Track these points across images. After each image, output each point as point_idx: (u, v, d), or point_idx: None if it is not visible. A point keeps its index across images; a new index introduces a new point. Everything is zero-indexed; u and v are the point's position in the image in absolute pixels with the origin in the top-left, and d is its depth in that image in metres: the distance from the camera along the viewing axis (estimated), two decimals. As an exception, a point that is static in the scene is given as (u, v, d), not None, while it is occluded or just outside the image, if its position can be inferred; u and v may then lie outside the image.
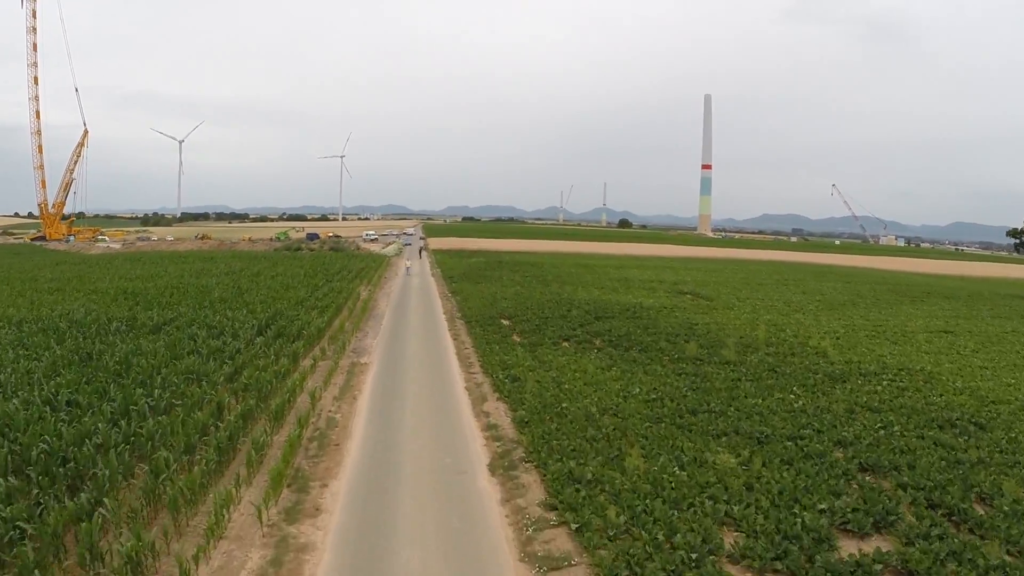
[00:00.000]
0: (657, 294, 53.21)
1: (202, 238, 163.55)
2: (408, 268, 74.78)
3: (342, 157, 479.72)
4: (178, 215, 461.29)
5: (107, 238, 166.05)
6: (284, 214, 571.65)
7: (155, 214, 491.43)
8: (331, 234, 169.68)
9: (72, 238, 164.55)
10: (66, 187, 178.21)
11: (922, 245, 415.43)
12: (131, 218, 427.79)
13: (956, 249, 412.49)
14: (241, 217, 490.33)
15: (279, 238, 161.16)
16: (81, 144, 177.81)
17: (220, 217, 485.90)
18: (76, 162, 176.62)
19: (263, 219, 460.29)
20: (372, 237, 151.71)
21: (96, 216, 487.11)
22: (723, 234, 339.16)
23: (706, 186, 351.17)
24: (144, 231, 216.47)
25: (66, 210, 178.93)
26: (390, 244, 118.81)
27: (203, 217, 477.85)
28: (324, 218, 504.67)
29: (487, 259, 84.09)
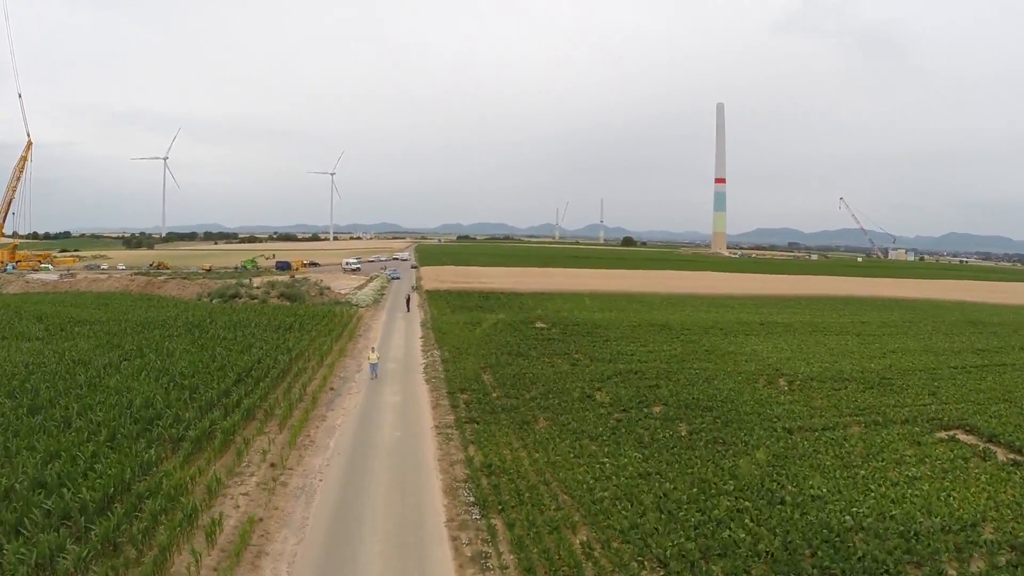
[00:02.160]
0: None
1: (157, 266, 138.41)
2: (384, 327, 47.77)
3: (332, 174, 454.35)
4: (163, 235, 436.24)
5: (52, 266, 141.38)
6: (275, 233, 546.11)
7: (141, 233, 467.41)
8: (306, 262, 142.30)
9: (12, 266, 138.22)
10: (6, 207, 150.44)
11: (926, 258, 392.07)
12: (116, 238, 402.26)
13: (961, 262, 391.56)
14: (230, 237, 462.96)
15: (245, 267, 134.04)
16: (24, 158, 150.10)
17: (208, 236, 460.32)
18: (19, 179, 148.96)
19: (252, 239, 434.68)
20: (353, 267, 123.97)
21: (82, 236, 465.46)
22: (740, 253, 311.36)
23: (720, 201, 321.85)
24: (100, 256, 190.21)
25: (6, 230, 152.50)
26: (370, 281, 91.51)
27: (191, 237, 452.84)
28: (315, 237, 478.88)
29: (511, 315, 55.81)
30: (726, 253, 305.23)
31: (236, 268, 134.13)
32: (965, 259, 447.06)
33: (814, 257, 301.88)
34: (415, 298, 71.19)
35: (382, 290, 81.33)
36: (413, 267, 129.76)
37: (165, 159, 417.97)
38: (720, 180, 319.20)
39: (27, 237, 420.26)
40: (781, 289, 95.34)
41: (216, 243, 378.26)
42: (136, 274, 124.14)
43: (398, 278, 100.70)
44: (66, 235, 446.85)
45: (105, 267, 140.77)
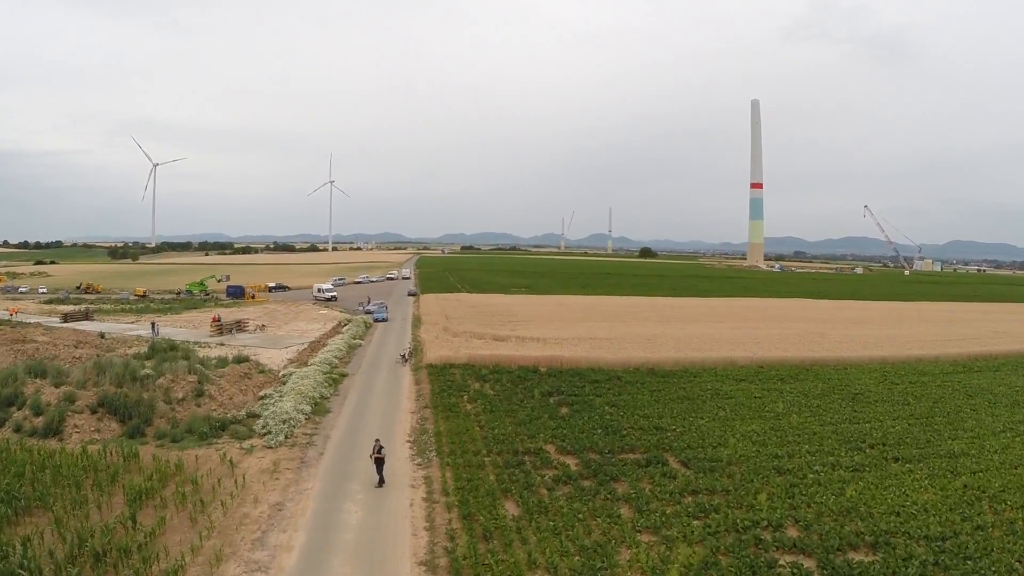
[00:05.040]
0: None
1: (85, 289, 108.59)
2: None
3: (331, 183, 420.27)
4: (152, 244, 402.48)
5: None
6: (273, 243, 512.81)
7: (135, 243, 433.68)
8: (271, 285, 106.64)
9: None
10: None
11: (943, 268, 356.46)
12: (108, 247, 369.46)
13: (979, 271, 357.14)
14: (225, 247, 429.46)
15: (190, 291, 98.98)
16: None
17: (203, 247, 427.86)
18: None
19: (247, 249, 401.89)
20: (327, 295, 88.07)
21: (73, 245, 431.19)
22: (778, 266, 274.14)
23: (757, 208, 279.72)
24: (41, 272, 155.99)
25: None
26: (338, 331, 55.32)
27: (185, 247, 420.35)
28: (314, 248, 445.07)
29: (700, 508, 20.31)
30: (763, 266, 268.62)
31: (178, 293, 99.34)
32: (978, 268, 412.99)
33: (859, 270, 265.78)
34: (407, 382, 35.92)
35: (350, 351, 45.91)
36: (411, 294, 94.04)
37: (156, 165, 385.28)
38: (756, 185, 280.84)
39: (17, 247, 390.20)
40: (962, 336, 59.91)
41: (207, 253, 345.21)
42: (51, 301, 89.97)
43: (384, 319, 64.99)
44: (57, 244, 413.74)
45: (24, 289, 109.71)
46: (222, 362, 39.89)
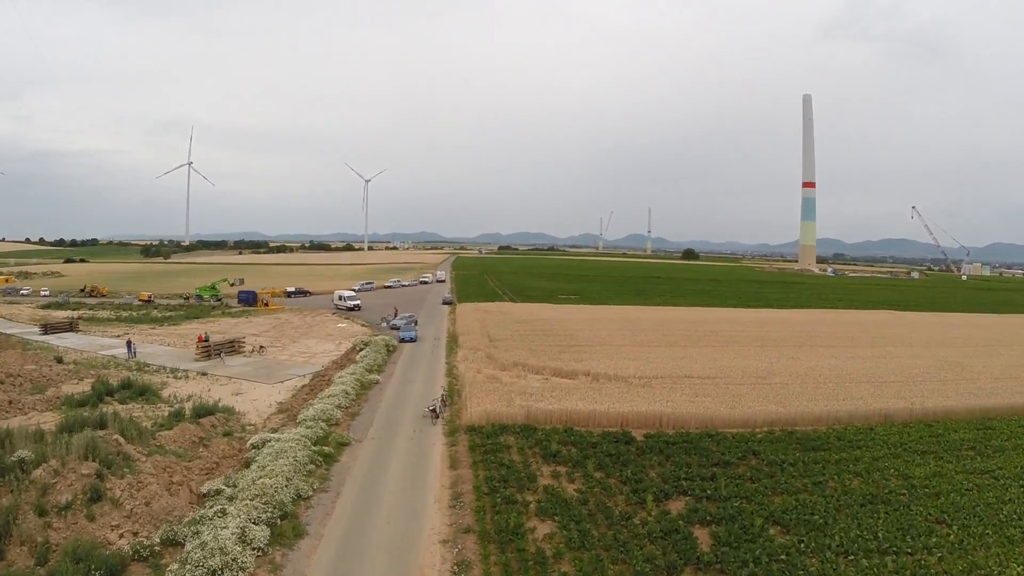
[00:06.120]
0: None
1: (89, 292, 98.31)
2: None
3: (367, 180, 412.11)
4: (186, 242, 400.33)
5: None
6: (309, 242, 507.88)
7: (170, 241, 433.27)
8: (290, 290, 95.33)
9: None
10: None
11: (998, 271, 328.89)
12: (145, 245, 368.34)
13: None
14: (260, 246, 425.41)
15: (200, 295, 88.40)
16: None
17: (238, 245, 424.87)
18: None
19: (281, 248, 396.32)
20: (349, 304, 76.26)
21: (109, 243, 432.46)
22: (831, 269, 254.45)
23: (809, 209, 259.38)
24: (54, 272, 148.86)
25: None
26: (351, 357, 42.47)
27: (220, 246, 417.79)
28: (349, 247, 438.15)
29: None
30: (815, 269, 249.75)
31: (187, 298, 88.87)
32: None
33: (915, 275, 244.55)
34: (437, 463, 23.26)
35: (362, 393, 33.41)
36: (446, 302, 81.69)
37: (190, 164, 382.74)
38: (809, 184, 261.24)
39: (52, 244, 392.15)
40: None
41: (241, 252, 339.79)
42: (48, 305, 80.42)
43: (412, 339, 52.53)
44: (93, 243, 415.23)
45: (25, 292, 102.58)
46: (176, 416, 27.93)
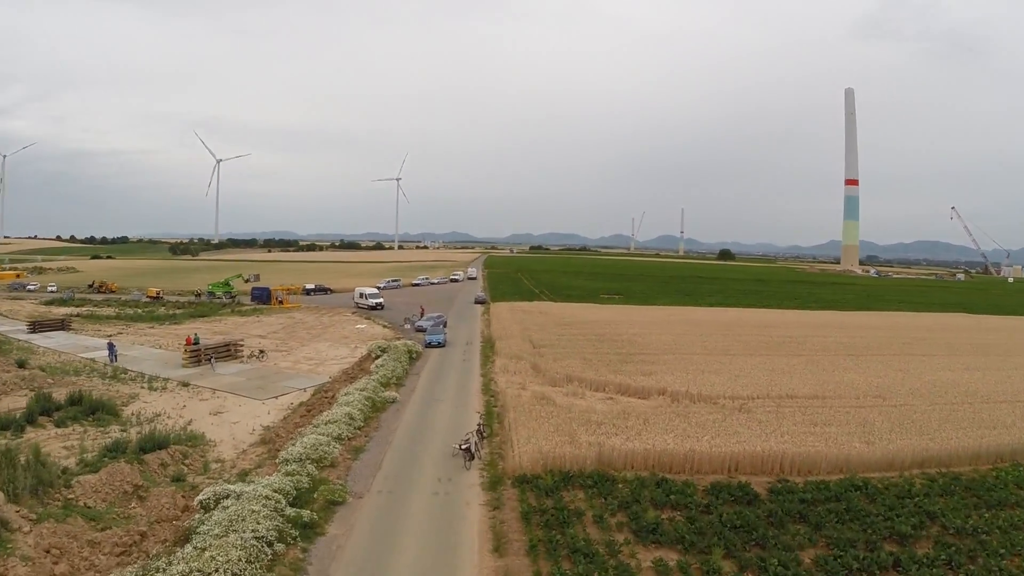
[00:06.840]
0: None
1: (98, 287, 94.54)
2: None
3: (398, 180, 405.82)
4: (215, 240, 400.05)
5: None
6: (340, 241, 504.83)
7: (199, 240, 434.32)
8: (309, 287, 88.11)
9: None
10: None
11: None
12: (175, 243, 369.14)
13: None
14: (290, 245, 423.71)
15: (211, 292, 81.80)
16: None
17: (267, 243, 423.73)
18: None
19: (311, 247, 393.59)
20: (372, 302, 68.67)
21: (139, 241, 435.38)
22: (874, 271, 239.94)
23: (852, 208, 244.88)
24: (69, 267, 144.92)
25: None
26: (364, 366, 34.46)
27: (249, 244, 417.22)
28: (379, 246, 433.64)
29: None
30: (858, 271, 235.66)
31: (199, 294, 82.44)
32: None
33: (960, 277, 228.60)
34: (473, 539, 15.17)
35: (371, 417, 25.23)
36: (479, 301, 73.53)
37: (219, 161, 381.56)
38: (852, 182, 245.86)
39: (83, 242, 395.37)
40: None
41: (270, 251, 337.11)
42: (52, 301, 74.87)
43: (441, 343, 44.38)
44: (123, 240, 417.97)
45: (33, 287, 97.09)
46: (113, 449, 20.34)
